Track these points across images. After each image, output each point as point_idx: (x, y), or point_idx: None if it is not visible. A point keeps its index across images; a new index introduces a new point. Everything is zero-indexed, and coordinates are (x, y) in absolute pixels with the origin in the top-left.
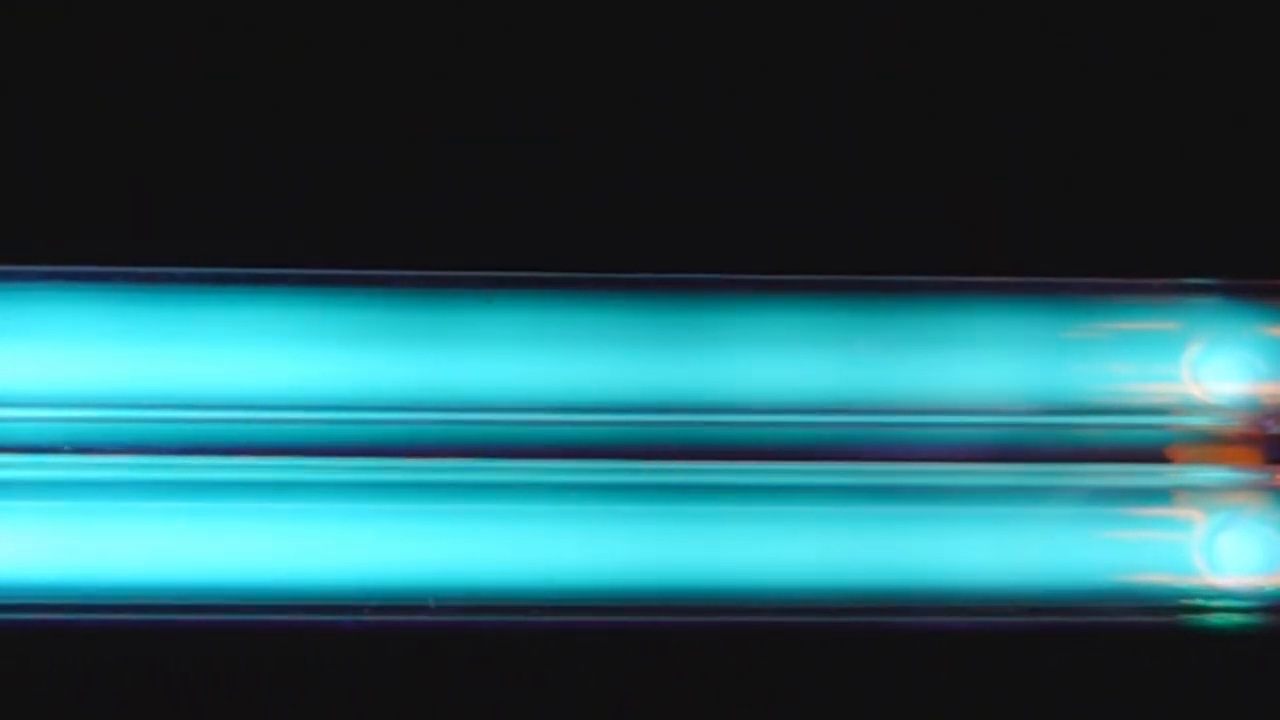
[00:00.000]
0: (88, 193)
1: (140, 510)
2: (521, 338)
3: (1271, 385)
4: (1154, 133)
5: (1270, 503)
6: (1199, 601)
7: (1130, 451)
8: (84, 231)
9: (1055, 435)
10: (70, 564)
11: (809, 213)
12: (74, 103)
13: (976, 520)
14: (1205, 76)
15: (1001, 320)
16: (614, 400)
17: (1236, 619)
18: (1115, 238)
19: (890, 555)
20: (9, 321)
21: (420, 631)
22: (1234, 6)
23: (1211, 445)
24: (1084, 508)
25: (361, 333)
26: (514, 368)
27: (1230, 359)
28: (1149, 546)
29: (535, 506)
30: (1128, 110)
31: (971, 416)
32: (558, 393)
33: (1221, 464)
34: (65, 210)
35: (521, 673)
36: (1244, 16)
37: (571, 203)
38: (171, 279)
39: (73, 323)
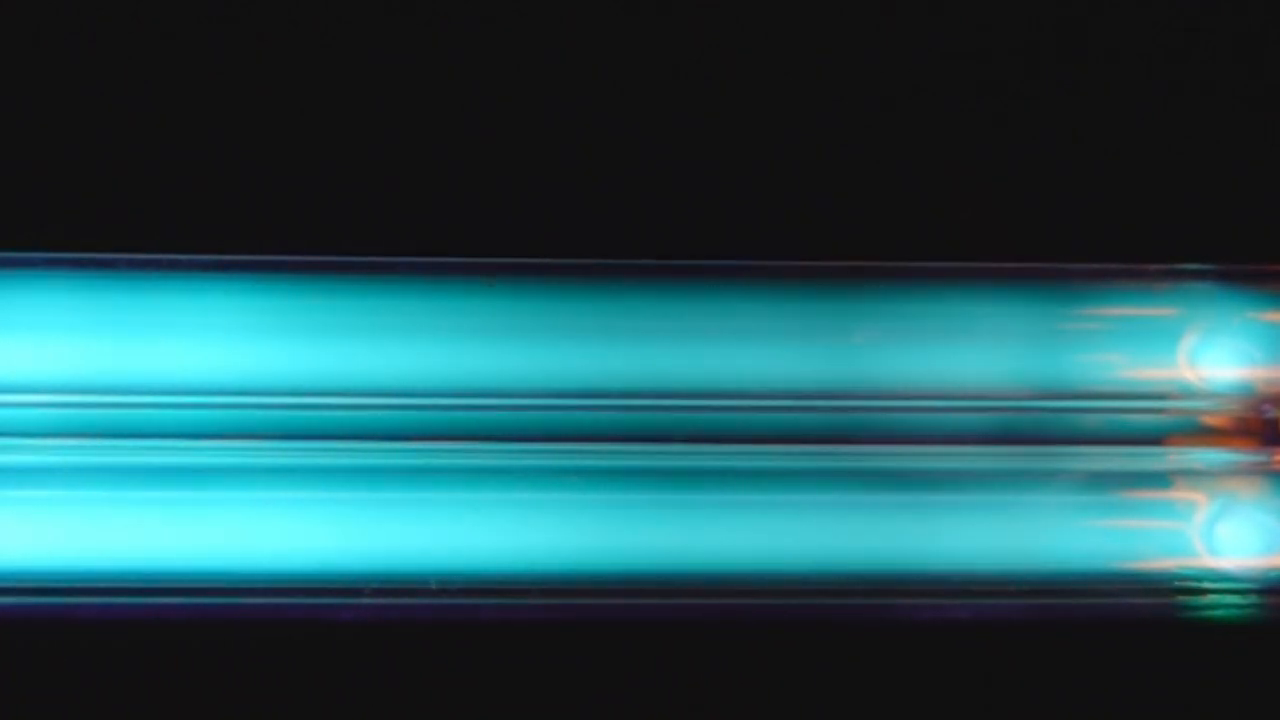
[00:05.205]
0: (85, 181)
1: (138, 496)
2: (521, 323)
3: (1268, 370)
4: (1150, 119)
5: (1268, 487)
6: (1198, 585)
7: (1128, 436)
8: (81, 219)
9: (1053, 420)
10: (67, 549)
11: (806, 199)
12: (69, 92)
13: (974, 505)
14: (1201, 63)
15: (999, 306)
16: (613, 386)
17: (1235, 602)
18: (1112, 224)
19: (887, 540)
20: (6, 308)
21: (420, 615)
22: None
23: (1209, 430)
24: (1082, 493)
25: (364, 320)
26: (514, 353)
27: (1227, 344)
28: (1147, 531)
29: (534, 492)
30: (1123, 97)
31: (969, 401)
32: (557, 378)
33: (1219, 448)
34: (63, 198)
35: (520, 657)
36: (1240, 4)
37: (569, 190)
38: (172, 266)
39: (70, 310)
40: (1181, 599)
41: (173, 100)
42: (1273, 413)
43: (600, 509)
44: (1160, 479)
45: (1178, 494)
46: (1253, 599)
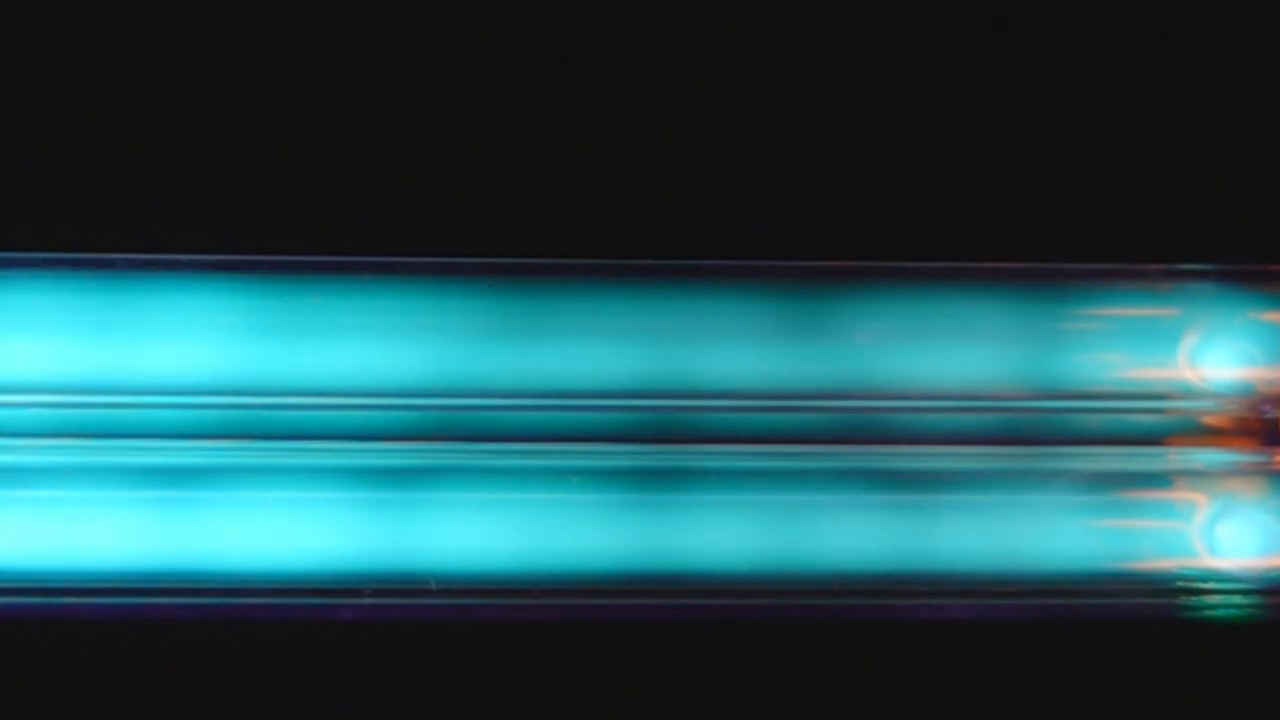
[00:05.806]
0: (85, 181)
1: (138, 496)
2: (521, 323)
3: (1268, 370)
4: (1150, 120)
5: (1268, 487)
6: (1198, 585)
7: (1128, 436)
8: (81, 219)
9: (1053, 420)
10: (67, 549)
11: (808, 200)
12: (69, 91)
13: (974, 505)
14: (1201, 63)
15: (1000, 306)
16: (613, 386)
17: (1235, 602)
18: (1113, 224)
19: (887, 540)
20: (6, 308)
21: (420, 615)
22: None
23: (1209, 430)
24: (1082, 493)
25: (364, 320)
26: (514, 353)
27: (1227, 344)
28: (1147, 531)
29: (534, 492)
30: (1124, 97)
31: (969, 401)
32: (557, 378)
33: (1219, 448)
34: (63, 198)
35: (520, 656)
36: (1240, 4)
37: (569, 190)
38: (172, 266)
39: (70, 310)
40: (1181, 599)
41: (173, 100)
42: (1273, 413)
43: (600, 509)
44: (1160, 479)
45: (1178, 494)
46: (1253, 599)
